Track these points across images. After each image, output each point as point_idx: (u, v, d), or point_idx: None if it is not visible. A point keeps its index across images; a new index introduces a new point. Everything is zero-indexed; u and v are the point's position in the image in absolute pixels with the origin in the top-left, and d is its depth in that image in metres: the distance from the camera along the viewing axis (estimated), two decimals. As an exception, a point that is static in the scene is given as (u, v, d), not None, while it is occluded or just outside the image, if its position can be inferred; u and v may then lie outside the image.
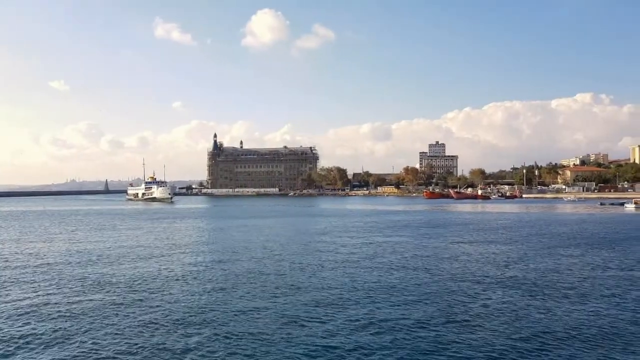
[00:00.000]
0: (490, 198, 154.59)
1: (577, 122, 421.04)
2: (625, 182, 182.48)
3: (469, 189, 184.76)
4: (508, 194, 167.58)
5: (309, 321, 15.35)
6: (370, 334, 14.10)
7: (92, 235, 44.37)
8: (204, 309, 16.88)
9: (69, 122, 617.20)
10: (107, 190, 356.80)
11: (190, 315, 16.10)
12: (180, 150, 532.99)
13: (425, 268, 25.09)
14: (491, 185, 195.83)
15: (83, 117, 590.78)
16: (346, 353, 12.60)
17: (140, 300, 18.38)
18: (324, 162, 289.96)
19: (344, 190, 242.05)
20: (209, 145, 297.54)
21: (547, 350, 12.71)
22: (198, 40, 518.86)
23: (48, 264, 27.13)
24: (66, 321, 15.49)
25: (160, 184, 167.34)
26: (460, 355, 12.43)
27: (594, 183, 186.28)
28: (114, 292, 19.80)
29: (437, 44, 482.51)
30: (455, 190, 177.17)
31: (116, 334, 14.24)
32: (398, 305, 17.21)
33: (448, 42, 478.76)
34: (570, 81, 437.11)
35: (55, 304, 17.73)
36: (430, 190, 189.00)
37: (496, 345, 13.01)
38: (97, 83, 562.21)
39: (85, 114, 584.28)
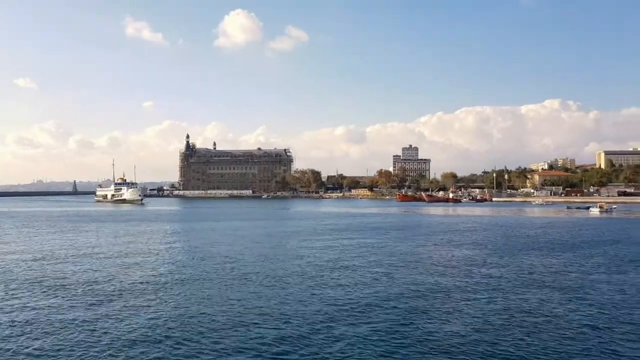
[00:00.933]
0: (461, 201, 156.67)
1: (546, 127, 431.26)
2: (592, 187, 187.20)
3: (441, 192, 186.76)
4: (478, 197, 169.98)
5: (264, 327, 14.96)
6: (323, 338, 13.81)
7: (49, 238, 42.99)
8: (161, 318, 16.30)
9: (36, 120, 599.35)
10: (76, 192, 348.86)
11: (149, 326, 15.52)
12: (151, 151, 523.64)
13: (386, 272, 24.95)
14: (462, 189, 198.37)
15: (51, 115, 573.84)
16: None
17: (87, 311, 17.67)
18: (299, 165, 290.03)
19: (317, 192, 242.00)
20: (182, 147, 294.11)
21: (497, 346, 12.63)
22: (169, 40, 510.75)
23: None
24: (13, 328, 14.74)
25: (131, 185, 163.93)
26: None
27: (561, 187, 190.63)
28: (64, 297, 19.03)
29: (410, 48, 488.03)
30: (427, 193, 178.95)
31: (56, 344, 13.57)
32: (355, 308, 16.97)
33: (421, 47, 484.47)
34: (539, 87, 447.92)
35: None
36: (403, 193, 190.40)
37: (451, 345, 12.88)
38: (66, 81, 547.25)
39: (53, 112, 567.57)
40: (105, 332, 14.47)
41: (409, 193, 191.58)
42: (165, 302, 18.45)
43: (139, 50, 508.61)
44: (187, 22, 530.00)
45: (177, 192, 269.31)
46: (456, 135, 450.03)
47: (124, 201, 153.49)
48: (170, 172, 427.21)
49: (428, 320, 15.79)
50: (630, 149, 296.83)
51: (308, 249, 34.32)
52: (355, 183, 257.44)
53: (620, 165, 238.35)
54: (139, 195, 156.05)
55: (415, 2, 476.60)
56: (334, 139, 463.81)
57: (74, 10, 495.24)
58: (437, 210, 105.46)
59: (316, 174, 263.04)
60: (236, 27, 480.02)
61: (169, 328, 14.97)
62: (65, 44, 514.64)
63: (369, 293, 19.86)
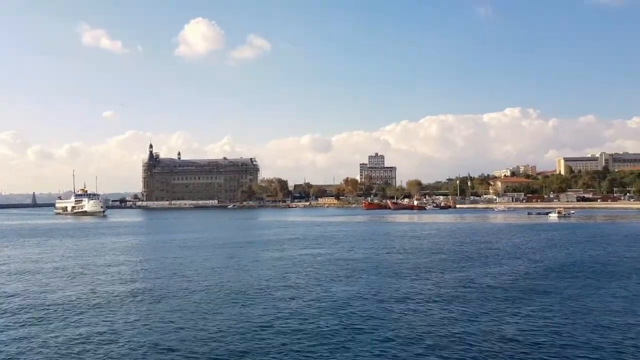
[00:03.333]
0: (425, 208, 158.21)
1: (507, 135, 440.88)
2: (552, 193, 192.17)
3: (406, 200, 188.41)
4: (442, 204, 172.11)
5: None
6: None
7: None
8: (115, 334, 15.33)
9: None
10: (35, 204, 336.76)
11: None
12: (114, 162, 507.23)
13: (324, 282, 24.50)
14: (427, 196, 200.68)
15: (7, 126, 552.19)
16: None
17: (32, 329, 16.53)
18: (265, 174, 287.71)
19: (284, 202, 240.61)
20: (145, 157, 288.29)
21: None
22: (129, 47, 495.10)
23: None
24: None
25: (92, 196, 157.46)
26: None
27: (522, 193, 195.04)
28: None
29: (374, 57, 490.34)
30: (393, 201, 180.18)
31: None
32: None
33: (385, 56, 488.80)
34: (500, 96, 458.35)
35: None
36: (369, 201, 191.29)
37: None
38: (19, 90, 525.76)
39: (9, 122, 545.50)
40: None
41: (375, 201, 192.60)
42: (120, 316, 17.50)
43: (96, 58, 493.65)
44: (146, 30, 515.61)
45: (140, 203, 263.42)
46: (421, 144, 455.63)
47: (84, 213, 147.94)
48: (133, 183, 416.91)
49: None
50: (589, 156, 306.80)
51: (265, 261, 33.60)
52: (322, 192, 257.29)
53: (579, 171, 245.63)
54: (101, 207, 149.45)
55: (378, 11, 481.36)
56: (300, 148, 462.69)
57: (26, 17, 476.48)
58: (401, 217, 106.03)
59: (283, 183, 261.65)
60: (197, 35, 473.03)
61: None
62: (17, 52, 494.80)
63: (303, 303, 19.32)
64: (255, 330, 15.94)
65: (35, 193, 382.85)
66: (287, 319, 17.46)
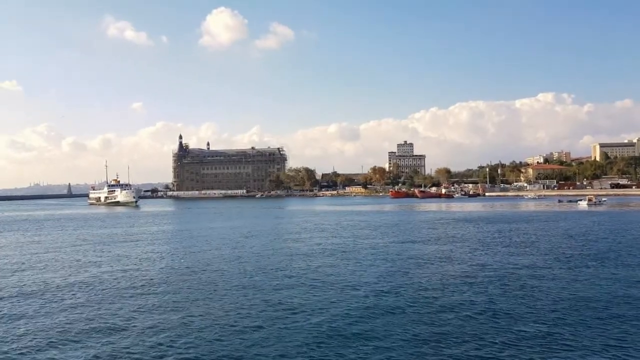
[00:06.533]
0: (453, 197, 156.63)
1: (540, 120, 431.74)
2: (585, 180, 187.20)
3: (434, 188, 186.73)
4: (471, 192, 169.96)
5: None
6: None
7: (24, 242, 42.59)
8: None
9: (27, 124, 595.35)
10: (71, 194, 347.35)
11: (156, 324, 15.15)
12: (145, 153, 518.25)
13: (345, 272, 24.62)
14: (455, 184, 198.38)
15: (41, 118, 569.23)
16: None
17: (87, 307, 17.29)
18: (293, 163, 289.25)
19: (312, 191, 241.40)
20: (175, 147, 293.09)
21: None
22: (154, 39, 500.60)
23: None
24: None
25: (125, 187, 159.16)
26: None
27: (555, 181, 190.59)
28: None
29: (401, 44, 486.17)
30: (420, 189, 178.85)
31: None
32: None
33: (413, 42, 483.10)
34: (532, 81, 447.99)
35: None
36: (396, 189, 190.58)
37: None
38: (51, 83, 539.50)
39: (43, 115, 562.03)
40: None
41: (402, 189, 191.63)
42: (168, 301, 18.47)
43: (122, 50, 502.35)
44: (169, 20, 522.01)
45: (170, 193, 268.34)
46: (450, 131, 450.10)
47: (117, 203, 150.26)
48: (164, 174, 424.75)
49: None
50: (625, 141, 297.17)
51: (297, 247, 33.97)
52: (349, 180, 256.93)
53: (615, 158, 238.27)
54: (133, 197, 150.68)
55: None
56: (327, 137, 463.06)
57: (52, 12, 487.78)
58: (427, 205, 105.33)
59: (310, 172, 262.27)
60: (220, 25, 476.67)
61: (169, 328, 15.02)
62: (46, 47, 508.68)
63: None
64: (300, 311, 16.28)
65: (71, 184, 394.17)
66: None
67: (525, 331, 14.31)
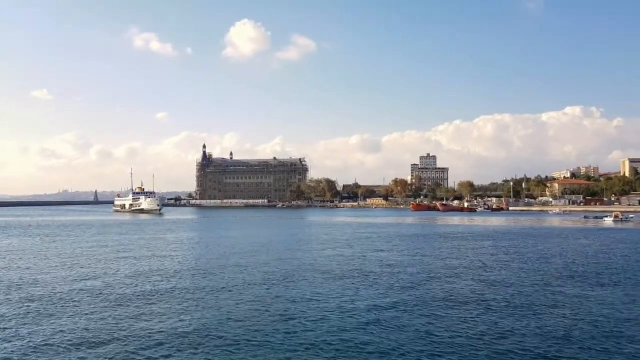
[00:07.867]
0: (476, 210, 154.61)
1: (567, 134, 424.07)
2: (612, 196, 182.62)
3: (456, 201, 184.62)
4: (494, 206, 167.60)
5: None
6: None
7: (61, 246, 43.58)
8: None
9: (56, 132, 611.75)
10: (97, 201, 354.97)
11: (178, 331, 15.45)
12: (169, 162, 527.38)
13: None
14: (478, 198, 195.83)
15: (70, 127, 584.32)
16: None
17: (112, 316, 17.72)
18: (314, 174, 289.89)
19: (332, 202, 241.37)
20: (199, 157, 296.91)
21: None
22: (178, 50, 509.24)
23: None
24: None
25: (149, 194, 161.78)
26: None
27: (581, 196, 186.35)
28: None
29: (424, 55, 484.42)
30: (442, 202, 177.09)
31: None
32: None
33: (436, 54, 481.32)
34: (559, 94, 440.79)
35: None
36: (418, 202, 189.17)
37: None
38: (79, 92, 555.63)
39: (72, 124, 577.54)
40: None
41: (424, 202, 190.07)
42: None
43: (148, 61, 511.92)
44: (193, 32, 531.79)
45: (193, 201, 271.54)
46: (474, 144, 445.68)
47: (141, 211, 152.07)
48: (187, 182, 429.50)
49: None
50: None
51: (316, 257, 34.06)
52: (370, 192, 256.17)
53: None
54: (157, 205, 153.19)
55: (426, 8, 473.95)
56: (348, 148, 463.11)
57: (79, 25, 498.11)
58: (450, 219, 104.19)
59: (331, 183, 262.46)
60: (243, 37, 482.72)
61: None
62: (75, 58, 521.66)
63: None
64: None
65: (97, 191, 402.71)
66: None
67: (531, 351, 14.07)
